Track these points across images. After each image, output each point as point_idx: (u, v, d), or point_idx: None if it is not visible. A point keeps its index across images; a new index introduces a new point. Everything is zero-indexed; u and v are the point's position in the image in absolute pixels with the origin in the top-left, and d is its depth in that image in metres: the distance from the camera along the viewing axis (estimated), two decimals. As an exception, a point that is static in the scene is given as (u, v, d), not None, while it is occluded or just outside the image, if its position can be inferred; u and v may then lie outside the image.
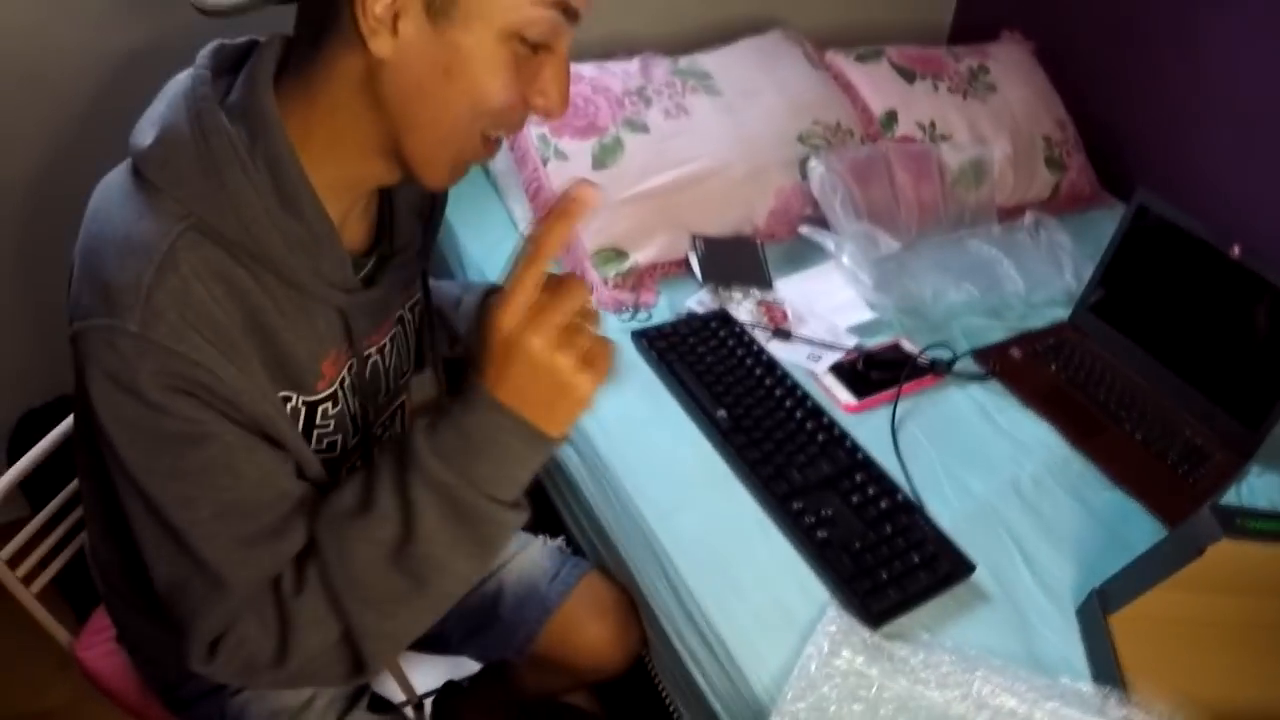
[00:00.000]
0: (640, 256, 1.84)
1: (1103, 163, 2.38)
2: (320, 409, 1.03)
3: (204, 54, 0.96)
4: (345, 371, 1.06)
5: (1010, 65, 2.38)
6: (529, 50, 0.90)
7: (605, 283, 1.79)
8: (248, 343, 0.91)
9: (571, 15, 0.90)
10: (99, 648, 1.45)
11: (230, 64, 0.96)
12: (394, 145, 0.94)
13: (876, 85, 2.23)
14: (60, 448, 1.41)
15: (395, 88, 0.90)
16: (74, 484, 1.44)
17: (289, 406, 0.99)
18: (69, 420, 1.40)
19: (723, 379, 1.54)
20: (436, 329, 1.30)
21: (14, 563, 1.42)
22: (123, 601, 1.20)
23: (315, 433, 1.04)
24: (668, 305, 1.77)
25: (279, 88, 0.93)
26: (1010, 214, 2.17)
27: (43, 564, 1.49)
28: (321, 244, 0.95)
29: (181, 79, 0.94)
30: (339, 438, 1.08)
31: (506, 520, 0.94)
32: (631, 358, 1.63)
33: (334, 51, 0.89)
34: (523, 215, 1.95)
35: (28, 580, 1.44)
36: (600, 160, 1.88)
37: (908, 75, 2.24)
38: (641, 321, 1.71)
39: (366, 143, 0.95)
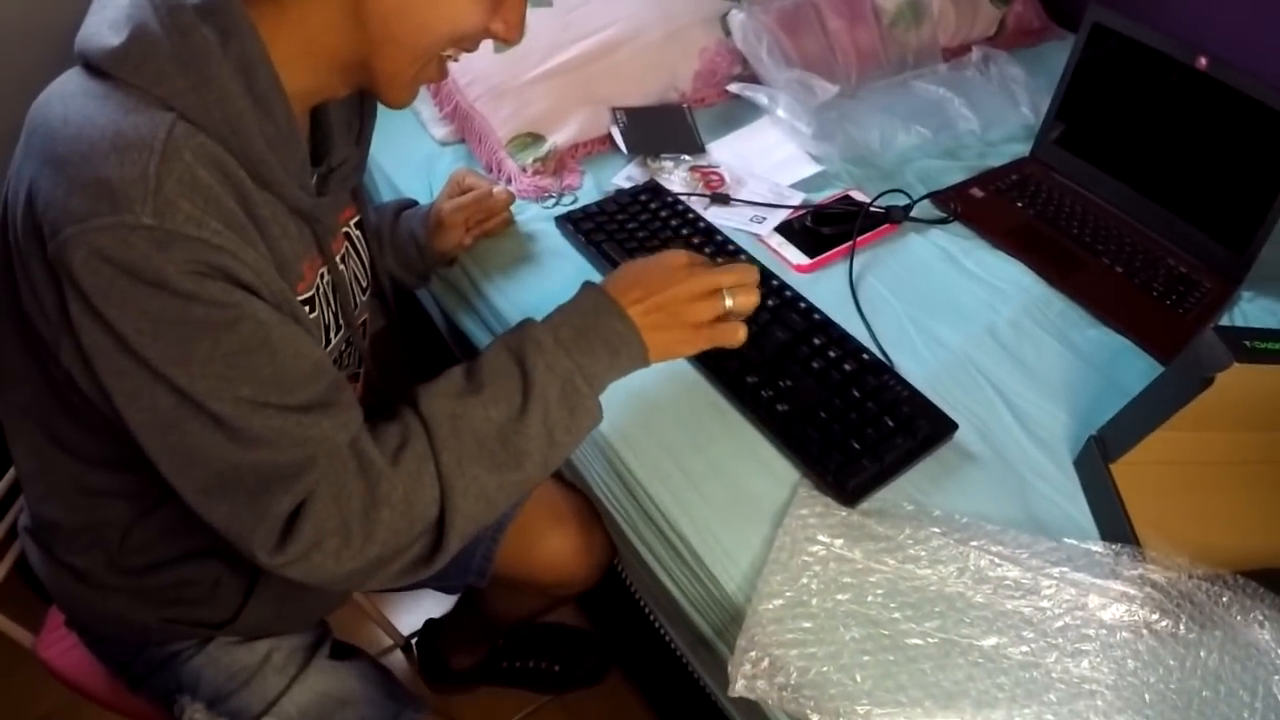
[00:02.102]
0: (559, 138, 1.69)
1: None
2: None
3: None
4: (319, 278, 1.07)
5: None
6: None
7: (524, 170, 1.64)
8: (252, 230, 0.91)
9: None
10: (60, 644, 1.40)
11: None
12: (361, 60, 0.96)
13: (796, -77, 2.05)
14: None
15: (379, 5, 0.92)
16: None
17: None
18: None
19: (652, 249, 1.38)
20: (383, 249, 1.38)
21: None
22: (67, 573, 1.14)
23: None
24: (594, 186, 1.63)
25: None
26: (956, 53, 2.03)
27: None
28: (290, 146, 0.95)
29: None
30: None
31: (597, 417, 1.02)
32: (559, 244, 1.49)
33: None
34: (429, 114, 1.81)
35: None
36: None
37: (831, -89, 2.07)
38: (566, 206, 1.57)
39: (335, 56, 0.96)
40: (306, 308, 1.03)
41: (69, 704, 1.82)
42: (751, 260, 1.37)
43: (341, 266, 1.13)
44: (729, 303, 1.08)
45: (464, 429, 0.96)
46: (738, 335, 1.09)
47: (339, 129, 1.11)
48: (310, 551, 0.90)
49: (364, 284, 1.22)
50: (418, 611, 1.94)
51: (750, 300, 1.09)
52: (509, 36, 0.99)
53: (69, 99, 0.88)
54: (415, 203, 1.50)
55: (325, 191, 1.06)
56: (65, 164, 0.84)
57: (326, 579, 0.93)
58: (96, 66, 0.88)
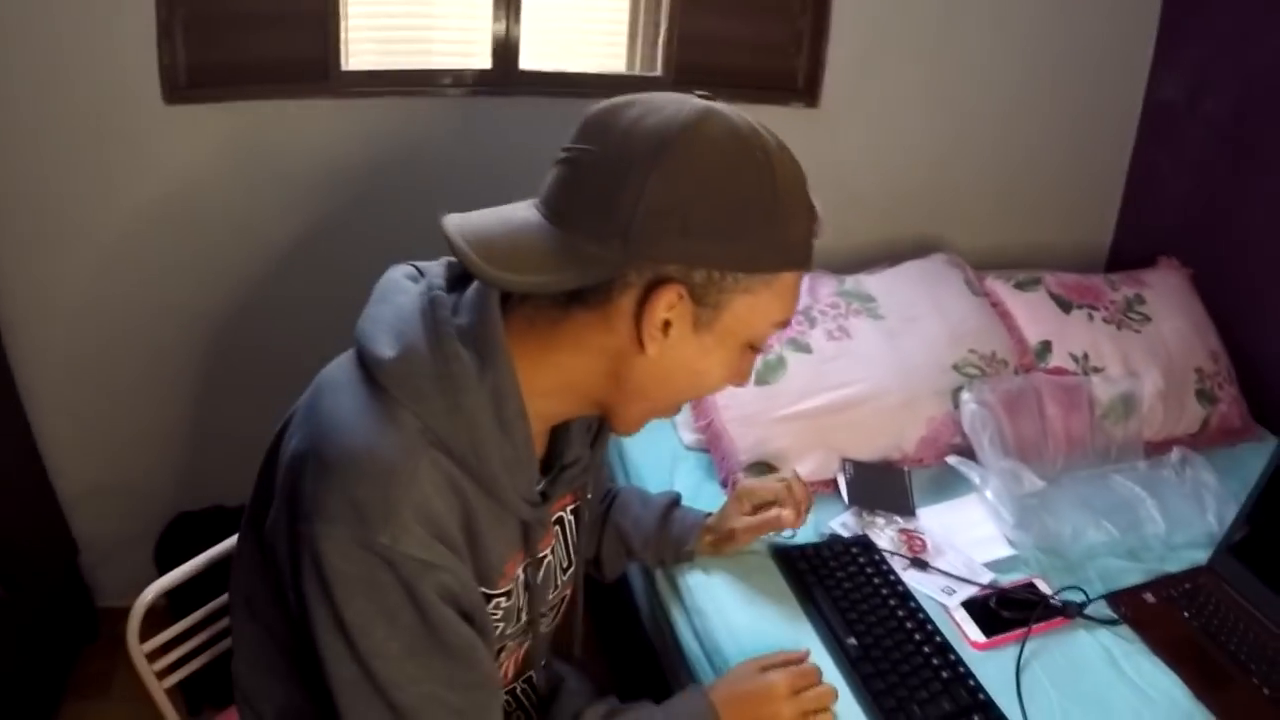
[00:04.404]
0: (789, 473, 1.96)
1: (1257, 394, 2.40)
2: (495, 601, 1.16)
3: (437, 272, 1.11)
4: (521, 571, 1.20)
5: (1166, 294, 2.44)
6: (750, 349, 1.12)
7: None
8: (464, 545, 1.05)
9: (786, 326, 1.13)
10: None
11: (456, 282, 1.10)
12: (609, 403, 1.12)
13: (1033, 314, 2.33)
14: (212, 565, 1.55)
15: (644, 373, 1.07)
16: (218, 602, 1.57)
17: None
18: (226, 544, 1.55)
19: (857, 606, 1.63)
20: (591, 533, 1.49)
21: (151, 656, 1.53)
22: None
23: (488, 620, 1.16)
24: (812, 524, 1.82)
25: (505, 317, 1.05)
26: (1158, 446, 2.20)
27: (176, 664, 1.58)
28: (522, 466, 1.08)
29: (410, 287, 1.09)
30: (502, 625, 1.21)
31: None
32: (772, 574, 1.74)
33: (586, 324, 1.05)
34: (683, 420, 2.10)
35: (161, 675, 1.55)
36: (763, 377, 2.02)
37: (1064, 305, 2.34)
38: (786, 539, 1.80)
39: (587, 395, 1.11)
40: (504, 597, 1.17)
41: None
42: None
43: (550, 557, 1.27)
44: None
45: None
46: None
47: (577, 433, 1.24)
48: None
49: (565, 566, 1.34)
50: None
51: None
52: (739, 385, 1.16)
53: (341, 390, 1.04)
54: (679, 499, 1.68)
55: (552, 491, 1.19)
56: (326, 464, 0.98)
57: None
58: (368, 369, 1.03)
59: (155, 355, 2.39)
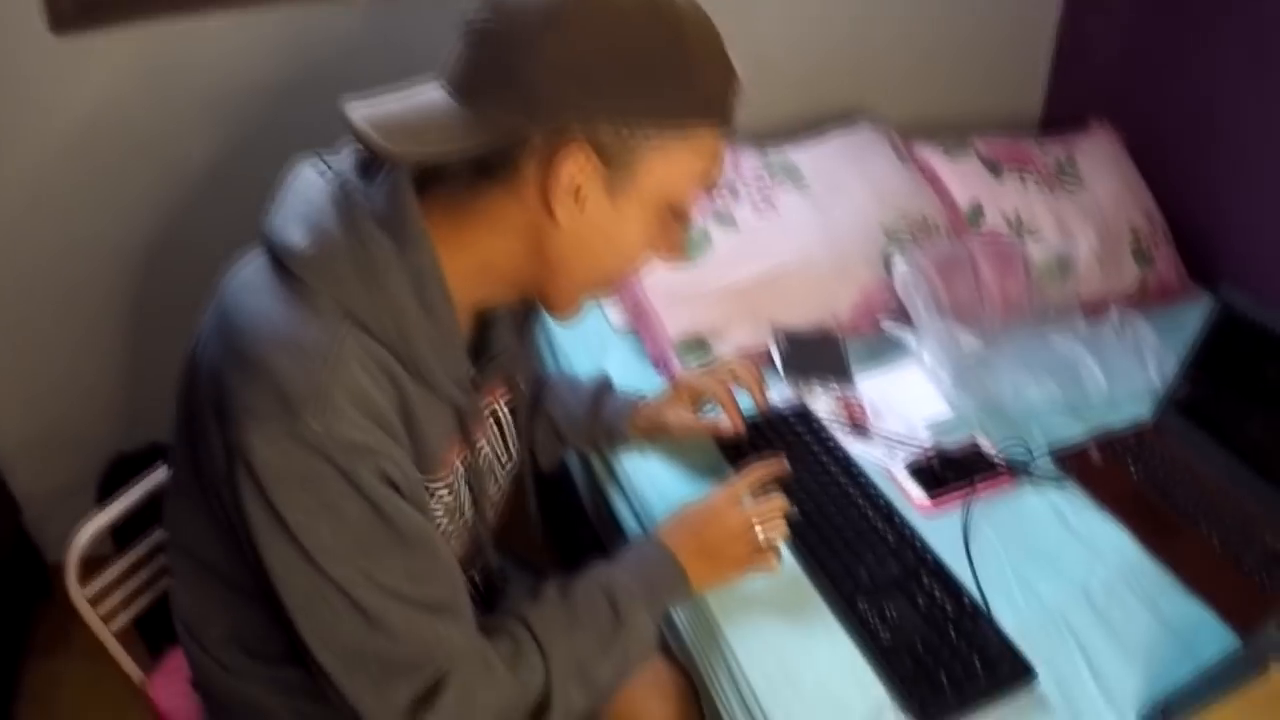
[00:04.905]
0: (723, 347, 1.91)
1: (1192, 254, 2.37)
2: (436, 494, 1.13)
3: (345, 157, 1.08)
4: (459, 462, 1.17)
5: (1099, 157, 2.39)
6: (671, 215, 1.08)
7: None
8: (401, 429, 1.02)
9: (712, 188, 1.08)
10: (172, 688, 1.53)
11: (366, 168, 1.06)
12: (535, 282, 1.10)
13: (963, 179, 2.26)
14: (150, 498, 1.54)
15: (561, 245, 1.04)
16: (158, 536, 1.58)
17: None
18: (161, 473, 1.54)
19: (798, 475, 1.57)
20: (527, 428, 1.44)
21: (95, 598, 1.53)
22: (203, 652, 1.25)
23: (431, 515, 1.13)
24: (746, 396, 1.77)
25: (420, 204, 1.02)
26: (1096, 307, 2.16)
27: (127, 600, 1.60)
28: (450, 349, 1.06)
29: (318, 180, 1.05)
30: (444, 521, 1.18)
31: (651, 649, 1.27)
32: (709, 449, 1.67)
33: (497, 198, 1.02)
34: (609, 301, 2.03)
35: (108, 617, 1.55)
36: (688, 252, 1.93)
37: (995, 168, 2.27)
38: (717, 410, 1.71)
39: (509, 276, 1.09)
40: (445, 490, 1.15)
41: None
42: (789, 493, 1.44)
43: (485, 446, 1.26)
44: (762, 538, 1.33)
45: (569, 653, 1.15)
46: (771, 565, 1.36)
47: (504, 322, 1.23)
48: None
49: (504, 460, 1.33)
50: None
51: (779, 532, 1.35)
52: (672, 259, 1.14)
53: (254, 289, 1.01)
54: (611, 383, 1.66)
55: (482, 380, 1.17)
56: (247, 362, 0.95)
57: None
58: (281, 261, 1.00)
59: (73, 296, 2.27)
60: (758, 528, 1.33)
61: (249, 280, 1.03)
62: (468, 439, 1.16)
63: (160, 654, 1.61)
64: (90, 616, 1.51)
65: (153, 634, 1.66)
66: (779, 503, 1.36)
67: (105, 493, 1.67)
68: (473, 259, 1.05)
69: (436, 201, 1.04)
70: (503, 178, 1.00)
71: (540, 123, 0.96)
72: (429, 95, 1.01)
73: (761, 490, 1.41)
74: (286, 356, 0.95)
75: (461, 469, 1.18)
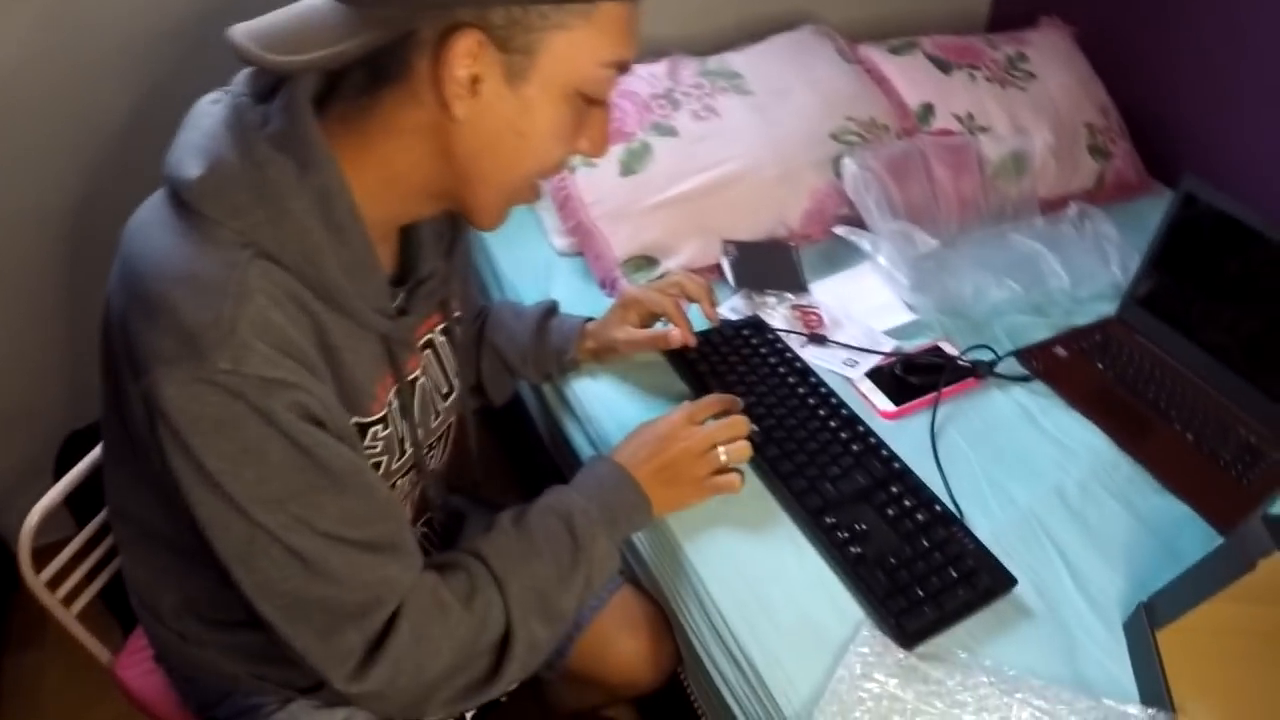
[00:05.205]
0: (671, 263, 1.82)
1: (1149, 149, 2.31)
2: (371, 430, 1.08)
3: (240, 81, 1.00)
4: (392, 395, 1.11)
5: (1050, 52, 2.32)
6: (585, 103, 0.99)
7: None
8: (321, 362, 0.96)
9: (625, 69, 0.98)
10: (139, 666, 1.48)
11: (264, 92, 0.98)
12: (450, 191, 1.01)
13: (911, 78, 2.17)
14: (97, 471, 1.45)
15: (466, 144, 0.96)
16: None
17: None
18: (97, 452, 1.46)
19: (755, 389, 1.49)
20: (468, 355, 1.43)
21: (56, 581, 1.46)
22: (160, 624, 1.22)
23: (365, 454, 1.07)
24: (698, 312, 1.69)
25: (320, 121, 0.95)
26: (1054, 205, 2.11)
27: (88, 579, 1.53)
28: (366, 272, 1.00)
29: (215, 108, 0.98)
30: (384, 459, 1.13)
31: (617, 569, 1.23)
32: (662, 368, 1.59)
33: (395, 102, 0.94)
34: (552, 224, 1.93)
35: (70, 598, 1.48)
36: (629, 166, 1.85)
37: (944, 66, 2.19)
38: (668, 326, 1.65)
39: (422, 187, 1.01)
40: (380, 425, 1.09)
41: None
42: (747, 411, 1.38)
43: (422, 377, 1.19)
44: (724, 457, 1.27)
45: (532, 569, 1.11)
46: (734, 485, 1.30)
47: (429, 242, 1.16)
48: (385, 689, 1.00)
49: (444, 391, 1.27)
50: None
51: (742, 453, 1.29)
52: (595, 153, 1.06)
53: (151, 227, 0.94)
54: (556, 307, 1.58)
55: (411, 305, 1.11)
56: (149, 305, 0.89)
57: (393, 705, 1.03)
58: (178, 195, 0.93)
59: (3, 272, 2.12)
60: (720, 448, 1.27)
61: (146, 219, 0.96)
62: (397, 370, 1.11)
63: (132, 632, 1.55)
64: (48, 599, 1.44)
65: (125, 611, 1.58)
66: (740, 422, 1.30)
67: (62, 473, 1.59)
68: (380, 173, 0.98)
69: (335, 115, 0.97)
70: (397, 79, 0.93)
71: (425, 10, 0.89)
72: (314, 3, 0.93)
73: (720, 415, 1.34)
74: (186, 293, 0.88)
75: (396, 402, 1.13)
